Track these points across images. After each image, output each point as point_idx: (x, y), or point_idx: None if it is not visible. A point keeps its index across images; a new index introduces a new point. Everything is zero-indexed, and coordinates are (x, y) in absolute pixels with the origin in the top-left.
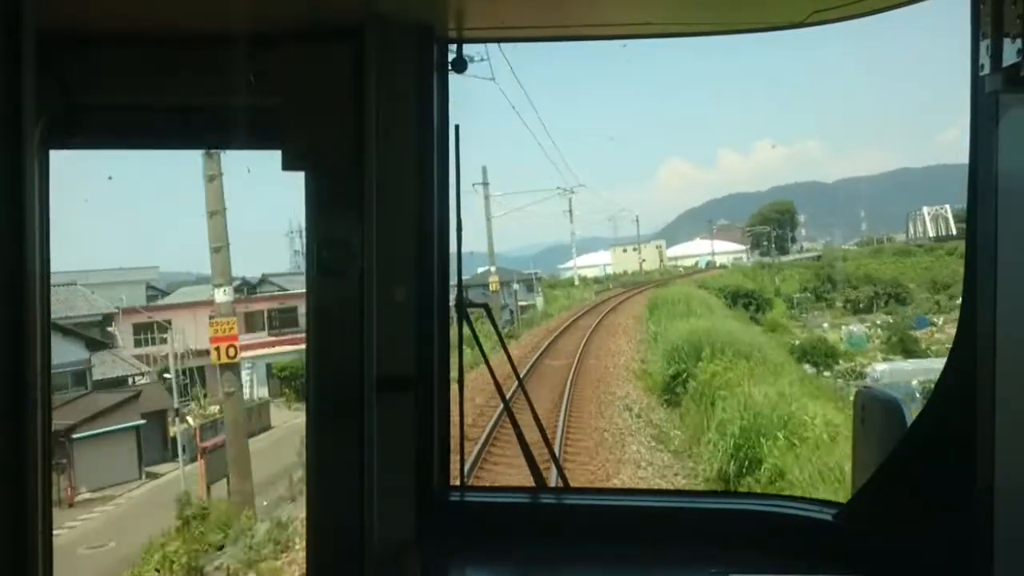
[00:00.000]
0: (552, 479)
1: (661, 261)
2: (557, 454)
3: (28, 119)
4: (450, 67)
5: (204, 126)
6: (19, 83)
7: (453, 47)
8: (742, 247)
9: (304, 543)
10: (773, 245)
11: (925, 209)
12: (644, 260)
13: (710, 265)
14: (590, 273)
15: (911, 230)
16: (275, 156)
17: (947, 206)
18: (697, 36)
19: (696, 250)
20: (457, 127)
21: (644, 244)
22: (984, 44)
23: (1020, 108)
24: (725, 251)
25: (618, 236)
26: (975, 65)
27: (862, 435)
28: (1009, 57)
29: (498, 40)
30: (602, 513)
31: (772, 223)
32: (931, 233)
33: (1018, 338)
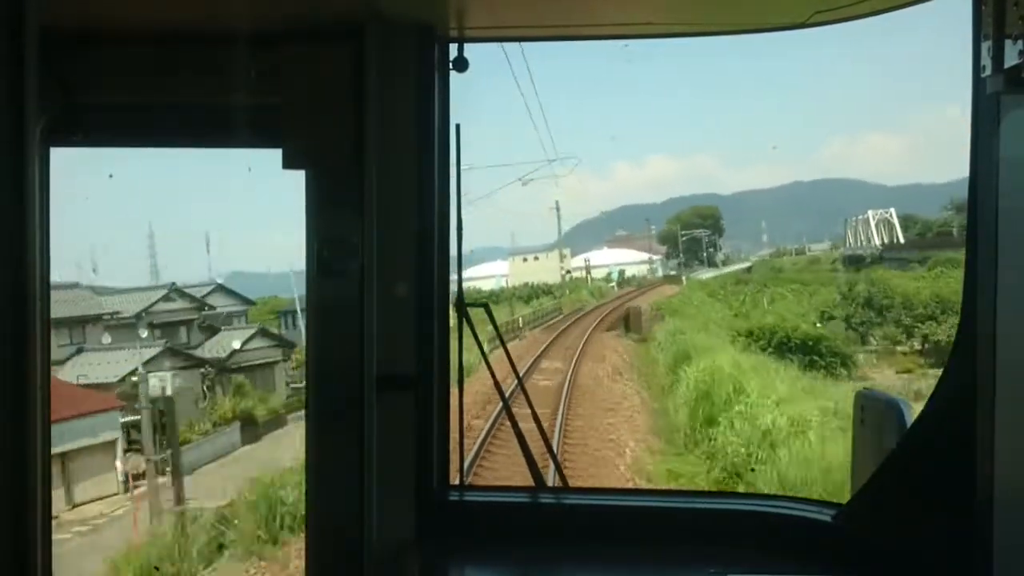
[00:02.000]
0: (551, 479)
1: (588, 272)
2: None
3: (30, 117)
4: (451, 66)
5: (204, 125)
6: (21, 82)
7: (454, 46)
8: (654, 256)
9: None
10: (705, 253)
11: (870, 213)
12: (568, 272)
13: (623, 276)
14: (484, 286)
15: (851, 238)
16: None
17: (892, 210)
18: (698, 36)
19: (603, 259)
20: (458, 126)
21: (548, 252)
22: (986, 45)
23: (1021, 109)
24: (634, 260)
25: (516, 245)
26: (977, 66)
27: (862, 435)
28: (1011, 58)
29: (498, 40)
30: (602, 513)
31: (695, 230)
32: (876, 240)
33: (1018, 338)
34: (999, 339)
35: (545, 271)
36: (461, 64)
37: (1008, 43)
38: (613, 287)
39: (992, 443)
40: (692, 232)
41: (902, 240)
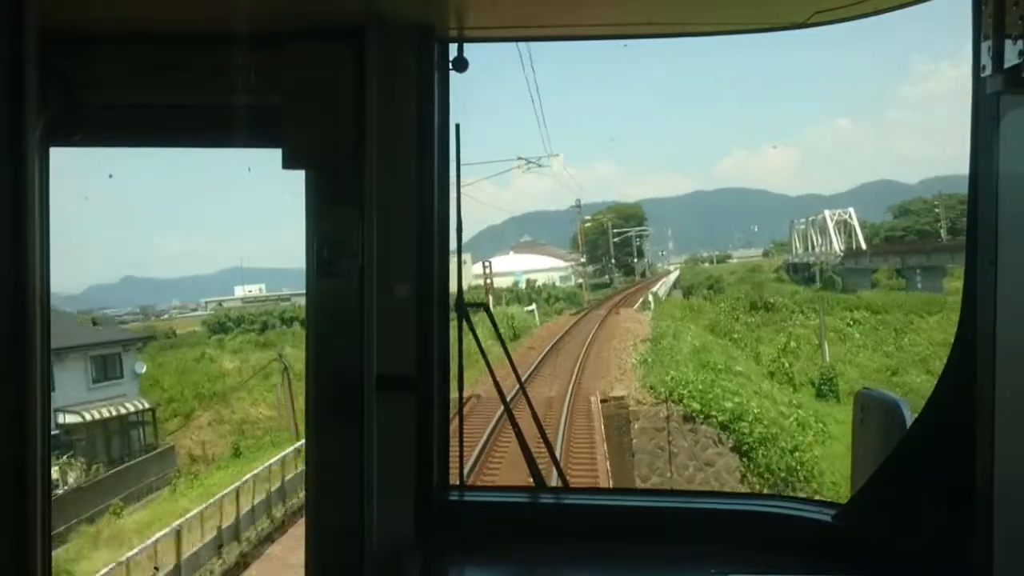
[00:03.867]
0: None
1: (489, 291)
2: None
3: (30, 117)
4: (451, 66)
5: (205, 124)
6: (21, 81)
7: (454, 46)
8: (562, 264)
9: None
10: (636, 260)
11: (827, 213)
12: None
13: (532, 287)
14: None
15: (797, 242)
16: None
17: (851, 210)
18: (698, 36)
19: (508, 266)
20: (458, 126)
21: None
22: (986, 45)
23: (1021, 108)
24: (544, 267)
25: None
26: (977, 66)
27: (862, 435)
28: (1011, 58)
29: (498, 40)
30: (601, 513)
31: (626, 230)
32: (836, 245)
33: (1018, 338)
34: (999, 338)
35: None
36: (461, 64)
37: (1008, 43)
38: (533, 312)
39: (992, 442)
40: (627, 231)
41: (863, 245)
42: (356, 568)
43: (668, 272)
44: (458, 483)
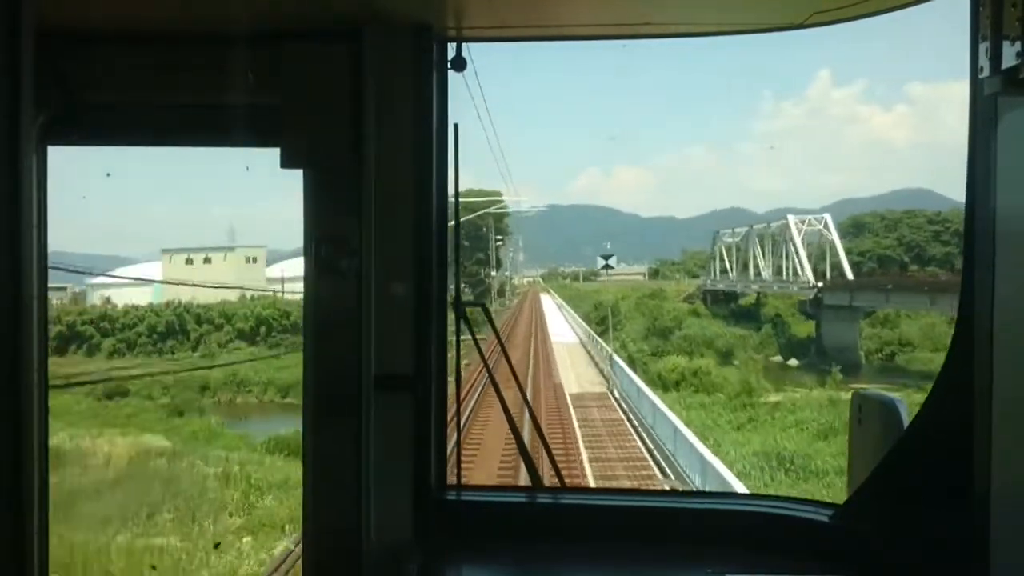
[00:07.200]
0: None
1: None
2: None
3: (27, 116)
4: (449, 66)
5: (203, 123)
6: (19, 80)
7: (452, 46)
8: None
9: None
10: (494, 271)
11: (791, 219)
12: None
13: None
14: (126, 300)
15: (729, 262)
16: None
17: (827, 216)
18: (697, 36)
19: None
20: (456, 125)
21: (227, 251)
22: (983, 46)
23: (1019, 110)
24: None
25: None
26: (974, 67)
27: (859, 435)
28: (1008, 59)
29: (497, 40)
30: (599, 513)
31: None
32: (805, 270)
33: (1016, 338)
34: (996, 339)
35: (227, 279)
36: (459, 64)
37: (1006, 44)
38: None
39: (989, 442)
40: (481, 222)
41: (849, 273)
42: (354, 568)
43: (533, 286)
44: (455, 483)
